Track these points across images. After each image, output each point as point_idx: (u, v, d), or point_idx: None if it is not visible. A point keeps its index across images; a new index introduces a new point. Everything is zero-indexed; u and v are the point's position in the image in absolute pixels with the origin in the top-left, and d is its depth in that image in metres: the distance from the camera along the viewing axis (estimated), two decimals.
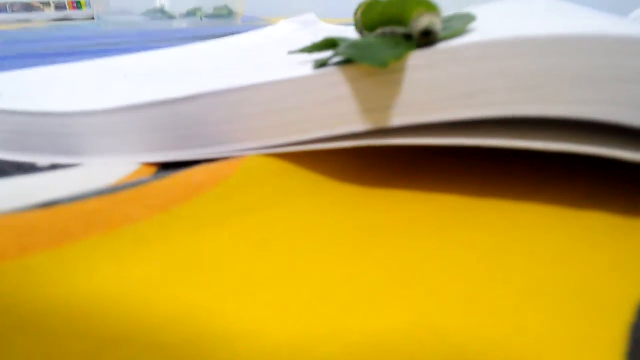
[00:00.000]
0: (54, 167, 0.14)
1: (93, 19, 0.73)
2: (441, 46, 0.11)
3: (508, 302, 0.08)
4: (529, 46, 0.10)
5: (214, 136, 0.13)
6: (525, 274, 0.09)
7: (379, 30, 0.13)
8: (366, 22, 0.14)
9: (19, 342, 0.07)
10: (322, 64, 0.13)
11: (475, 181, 0.13)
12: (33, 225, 0.10)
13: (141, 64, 0.26)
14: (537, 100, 0.11)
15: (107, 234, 0.10)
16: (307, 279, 0.09)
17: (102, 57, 0.28)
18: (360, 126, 0.12)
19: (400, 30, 0.12)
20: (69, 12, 0.91)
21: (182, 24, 0.63)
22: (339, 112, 0.12)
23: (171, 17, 0.63)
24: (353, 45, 0.12)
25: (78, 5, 0.93)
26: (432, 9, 0.11)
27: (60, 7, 0.92)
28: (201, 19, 0.65)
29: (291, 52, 0.15)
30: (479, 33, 0.12)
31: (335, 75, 0.12)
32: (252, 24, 0.65)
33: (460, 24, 0.13)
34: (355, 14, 0.16)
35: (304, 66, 0.14)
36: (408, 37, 0.12)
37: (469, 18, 0.13)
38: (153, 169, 0.14)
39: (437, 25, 0.11)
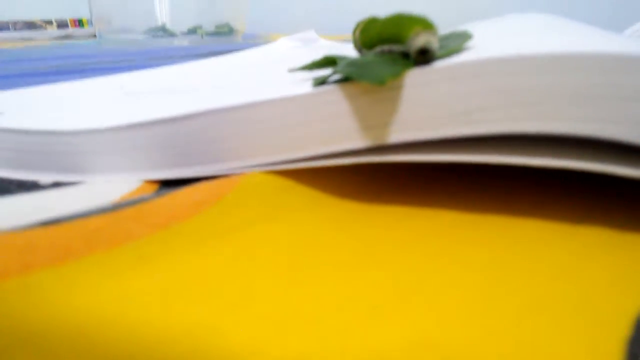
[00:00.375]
0: (56, 185, 0.14)
1: (95, 37, 0.74)
2: (438, 64, 0.11)
3: (508, 318, 0.08)
4: (526, 64, 0.11)
5: (214, 154, 0.13)
6: (525, 290, 0.09)
7: (377, 49, 0.13)
8: (364, 41, 0.14)
9: (21, 359, 0.07)
10: (321, 82, 0.13)
11: (474, 197, 0.13)
12: (35, 242, 0.10)
13: (143, 81, 0.26)
14: (535, 117, 0.11)
15: (109, 252, 0.10)
16: (307, 296, 0.09)
17: (103, 75, 0.29)
18: (358, 143, 0.12)
19: (397, 48, 0.12)
20: (71, 30, 0.92)
21: (183, 42, 0.64)
22: (337, 129, 0.12)
23: (172, 34, 0.64)
24: (351, 63, 0.13)
25: (80, 24, 0.94)
26: (429, 27, 0.12)
27: (62, 25, 0.93)
28: (202, 36, 0.65)
29: (291, 70, 0.16)
30: (476, 51, 0.12)
31: (334, 93, 0.12)
32: (253, 41, 0.65)
33: (457, 43, 0.13)
34: (354, 32, 0.16)
35: (303, 84, 0.14)
36: (405, 56, 0.12)
37: (466, 36, 0.14)
38: (154, 186, 0.14)
39: (434, 43, 0.11)
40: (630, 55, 0.10)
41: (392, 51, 0.13)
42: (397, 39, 0.12)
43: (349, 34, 0.18)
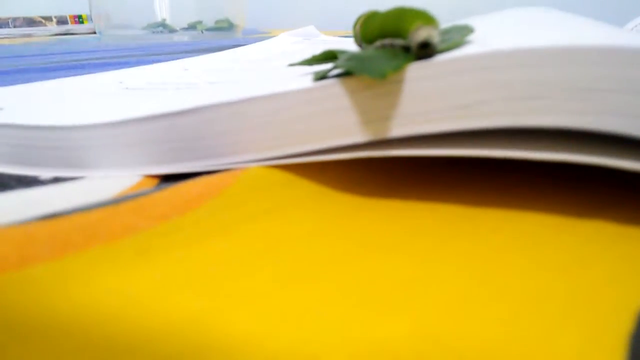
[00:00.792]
0: (56, 180, 0.14)
1: (95, 33, 0.73)
2: (439, 58, 0.11)
3: (509, 312, 0.08)
4: (527, 57, 0.10)
5: (215, 148, 0.13)
6: (526, 284, 0.09)
7: (378, 43, 0.13)
8: (365, 35, 0.14)
9: (20, 353, 0.07)
10: (322, 76, 0.13)
11: (475, 191, 0.13)
12: (34, 236, 0.10)
13: (143, 77, 0.26)
14: (536, 110, 0.11)
15: (108, 245, 0.10)
16: (307, 289, 0.09)
17: (103, 71, 0.29)
18: (359, 137, 0.12)
19: (398, 42, 0.12)
20: (71, 27, 0.92)
21: (183, 37, 0.64)
22: (338, 123, 0.12)
23: (172, 30, 0.64)
24: (352, 57, 0.12)
25: (80, 20, 0.94)
26: (430, 21, 0.12)
27: (62, 21, 0.93)
28: (202, 32, 0.65)
29: (291, 65, 0.16)
30: (477, 44, 0.12)
31: (334, 87, 0.12)
32: (253, 36, 0.65)
33: (458, 36, 0.13)
34: (355, 26, 0.16)
35: (304, 78, 0.14)
36: (406, 49, 0.12)
37: (467, 30, 0.14)
38: (155, 181, 0.14)
39: (435, 37, 0.11)
40: (631, 48, 0.10)
41: (393, 45, 0.13)
42: (398, 33, 0.12)
43: (349, 30, 0.18)
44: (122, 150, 0.14)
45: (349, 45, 0.19)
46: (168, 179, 0.14)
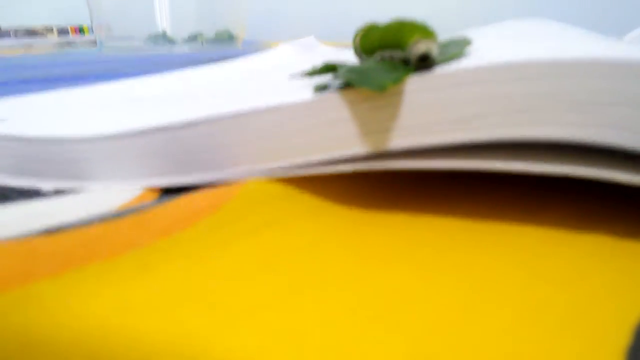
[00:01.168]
0: (57, 192, 0.14)
1: (95, 44, 0.74)
2: (438, 70, 0.11)
3: (507, 326, 0.08)
4: (526, 70, 0.11)
5: (215, 161, 0.14)
6: (524, 298, 0.09)
7: (378, 55, 0.13)
8: (365, 47, 0.14)
9: None
10: (321, 88, 0.13)
11: (474, 204, 0.13)
12: (36, 251, 0.10)
13: (143, 88, 0.26)
14: (534, 123, 0.11)
15: (110, 261, 0.10)
16: (307, 303, 0.09)
17: (104, 82, 0.29)
18: (359, 149, 0.12)
19: (398, 55, 0.12)
20: (72, 38, 0.92)
21: (183, 49, 0.64)
22: (338, 135, 0.12)
23: (173, 42, 0.64)
24: (352, 69, 0.13)
25: (81, 31, 0.94)
26: (429, 35, 0.12)
27: (63, 32, 0.93)
28: (202, 43, 0.65)
29: (291, 76, 0.16)
30: (476, 57, 0.12)
31: (334, 99, 0.12)
32: (253, 48, 0.66)
33: (456, 49, 0.13)
34: (354, 38, 0.16)
35: (304, 90, 0.14)
36: (406, 62, 0.12)
37: (466, 42, 0.14)
38: (156, 194, 0.14)
39: (434, 50, 0.11)
40: (630, 61, 0.10)
41: (392, 57, 0.13)
42: (397, 46, 0.12)
43: (349, 41, 0.18)
44: (123, 162, 0.14)
45: (349, 56, 0.19)
46: (169, 191, 0.14)
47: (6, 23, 0.91)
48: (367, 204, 0.13)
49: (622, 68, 0.10)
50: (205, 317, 0.08)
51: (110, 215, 0.11)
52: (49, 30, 0.92)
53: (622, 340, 0.08)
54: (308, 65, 0.15)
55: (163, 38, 0.64)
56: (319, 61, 0.14)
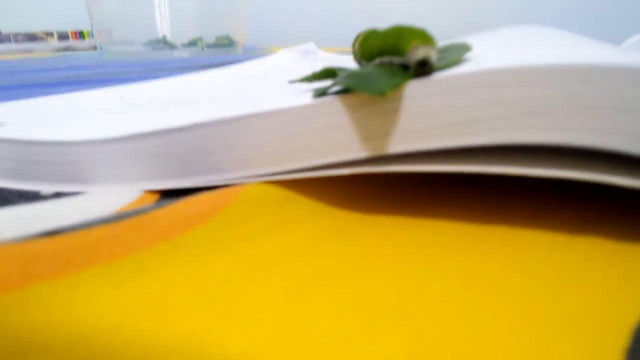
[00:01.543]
0: (57, 195, 0.14)
1: (96, 48, 0.74)
2: (437, 76, 0.11)
3: (506, 328, 0.08)
4: (525, 75, 0.11)
5: (215, 164, 0.14)
6: (523, 300, 0.09)
7: (377, 60, 0.13)
8: (364, 53, 0.15)
9: None
10: (321, 93, 0.13)
11: (473, 207, 0.13)
12: (36, 254, 0.10)
13: (143, 92, 0.26)
14: (533, 128, 0.11)
15: (109, 264, 0.10)
16: (307, 306, 0.09)
17: (104, 86, 0.29)
18: (358, 153, 0.12)
19: (397, 60, 0.12)
20: (72, 42, 0.93)
21: (183, 54, 0.64)
22: (338, 139, 0.12)
23: (173, 46, 0.64)
24: (351, 74, 0.13)
25: (81, 36, 0.94)
26: (428, 40, 0.12)
27: (63, 37, 0.94)
28: (202, 48, 0.66)
29: (291, 81, 0.16)
30: (475, 63, 0.12)
31: (334, 104, 0.12)
32: (253, 53, 0.66)
33: (456, 54, 0.13)
34: (354, 44, 0.16)
35: (303, 95, 0.14)
36: (405, 67, 0.12)
37: (465, 48, 0.14)
38: (155, 196, 0.14)
39: (433, 56, 0.12)
40: (628, 66, 0.10)
41: (391, 63, 0.13)
42: (396, 51, 0.12)
43: (348, 47, 0.18)
44: (122, 165, 0.14)
45: (348, 62, 0.19)
46: (169, 194, 0.14)
47: (7, 28, 0.91)
48: (367, 207, 0.13)
49: (621, 73, 0.10)
50: (205, 319, 0.09)
51: (110, 218, 0.11)
52: (50, 34, 0.92)
53: (620, 342, 0.08)
54: (308, 71, 0.15)
55: (163, 43, 0.64)
56: (318, 66, 0.14)
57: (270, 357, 0.08)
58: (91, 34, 0.92)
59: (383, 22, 0.15)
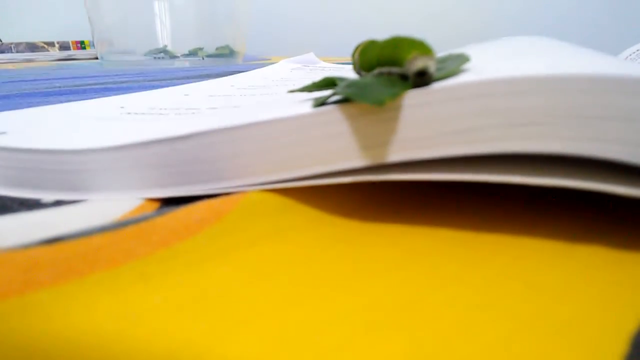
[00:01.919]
0: (58, 203, 0.14)
1: (97, 58, 0.74)
2: (436, 86, 0.11)
3: (504, 335, 0.08)
4: (522, 85, 0.11)
5: (215, 172, 0.14)
6: (521, 307, 0.09)
7: (376, 71, 0.14)
8: (363, 63, 0.15)
9: None
10: (321, 103, 0.13)
11: (471, 215, 0.13)
12: (37, 261, 0.10)
13: (144, 102, 0.26)
14: (532, 137, 0.11)
15: (110, 271, 0.10)
16: (307, 313, 0.09)
17: (105, 96, 0.29)
18: (358, 162, 0.12)
19: (396, 70, 0.13)
20: (73, 52, 0.93)
21: (184, 63, 0.65)
22: (337, 148, 0.13)
23: (173, 56, 0.65)
24: (351, 84, 0.13)
25: (82, 46, 0.95)
26: (427, 51, 0.12)
27: (64, 47, 0.94)
28: (203, 58, 0.66)
29: (291, 91, 0.16)
30: (473, 73, 0.12)
31: (333, 113, 0.12)
32: (253, 63, 0.66)
33: (454, 65, 0.13)
34: (353, 54, 0.16)
35: (303, 104, 0.15)
36: (404, 77, 0.12)
37: (463, 59, 0.14)
38: (156, 204, 0.14)
39: (432, 66, 0.12)
40: (626, 76, 0.10)
41: (390, 73, 0.13)
42: (395, 62, 0.12)
43: (347, 57, 0.18)
44: (123, 174, 0.14)
45: (348, 72, 0.19)
46: (169, 202, 0.14)
47: (8, 38, 0.92)
48: (367, 215, 0.13)
49: (619, 83, 0.10)
50: (205, 327, 0.09)
51: (111, 225, 0.11)
52: (51, 44, 0.92)
53: (619, 349, 0.08)
54: (307, 80, 0.15)
55: (164, 53, 0.64)
56: (318, 76, 0.15)
57: None
58: (92, 44, 0.93)
59: (382, 32, 0.15)
